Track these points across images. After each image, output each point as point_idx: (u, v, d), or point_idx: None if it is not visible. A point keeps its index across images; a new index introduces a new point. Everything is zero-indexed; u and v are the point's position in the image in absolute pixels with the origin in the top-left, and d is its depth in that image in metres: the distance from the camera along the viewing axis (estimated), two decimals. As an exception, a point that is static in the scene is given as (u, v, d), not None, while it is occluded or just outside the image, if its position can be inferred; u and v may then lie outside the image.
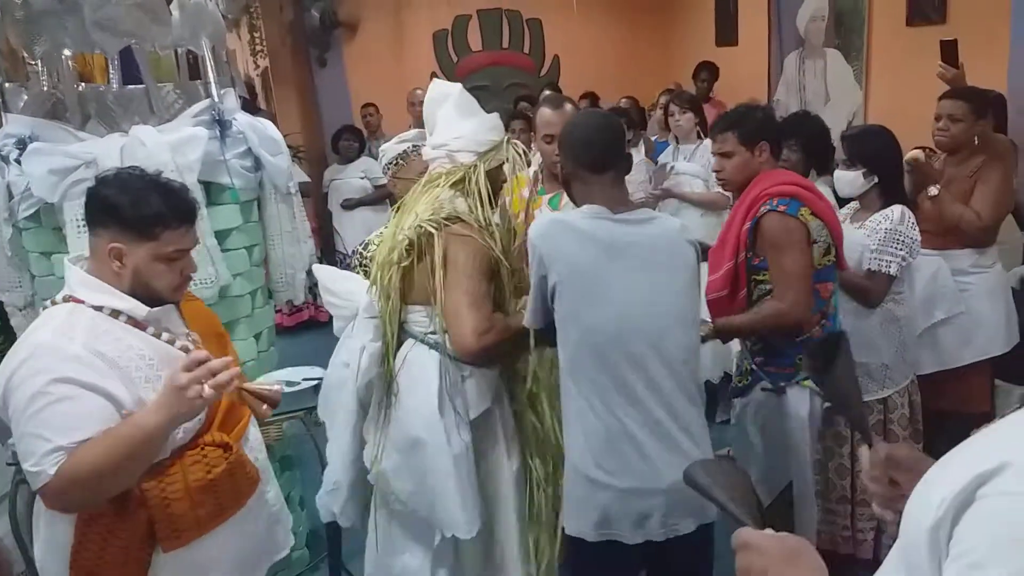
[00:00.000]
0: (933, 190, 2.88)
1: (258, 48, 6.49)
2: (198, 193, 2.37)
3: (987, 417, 3.08)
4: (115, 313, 1.60)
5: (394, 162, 2.54)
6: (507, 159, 2.20)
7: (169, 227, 1.60)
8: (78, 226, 2.36)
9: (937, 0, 4.23)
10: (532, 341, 2.01)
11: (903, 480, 1.01)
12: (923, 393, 2.74)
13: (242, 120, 2.64)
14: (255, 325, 2.78)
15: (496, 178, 2.20)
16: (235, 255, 2.63)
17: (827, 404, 2.32)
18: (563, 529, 2.00)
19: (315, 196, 6.13)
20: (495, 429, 2.22)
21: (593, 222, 1.89)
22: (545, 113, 2.62)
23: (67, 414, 1.47)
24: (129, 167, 1.71)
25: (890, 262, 2.53)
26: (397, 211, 2.22)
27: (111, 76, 2.60)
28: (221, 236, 2.55)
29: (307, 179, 5.98)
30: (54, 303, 1.63)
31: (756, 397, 2.42)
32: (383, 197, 5.80)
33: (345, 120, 6.49)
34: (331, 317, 2.41)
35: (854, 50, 5.02)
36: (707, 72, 5.82)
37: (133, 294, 1.62)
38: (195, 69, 2.74)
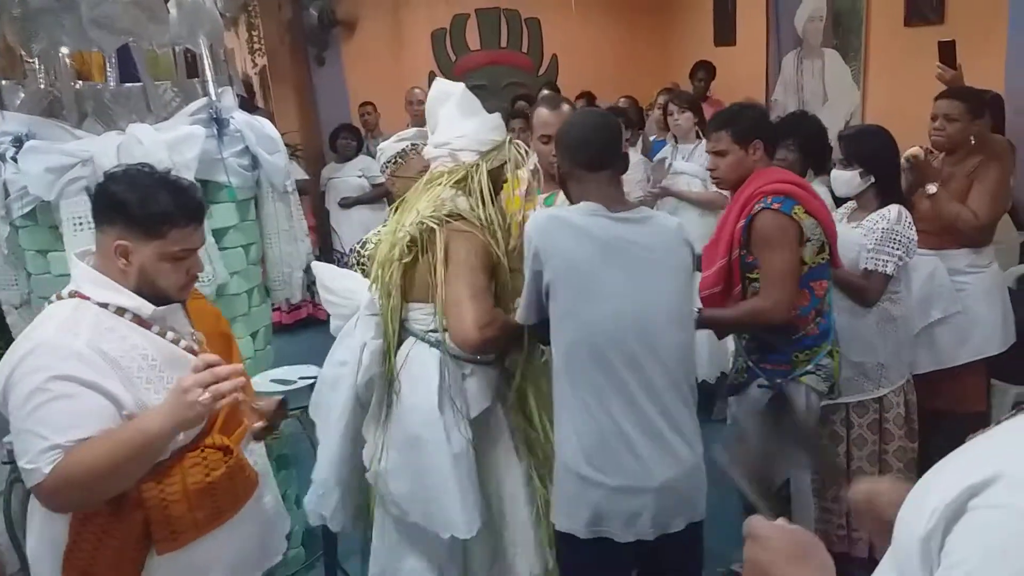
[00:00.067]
0: (931, 188, 2.89)
1: (256, 46, 6.49)
2: (195, 191, 2.37)
3: (983, 416, 3.09)
4: (120, 311, 1.58)
5: (393, 160, 2.54)
6: (509, 159, 2.20)
7: (177, 226, 1.58)
8: (75, 224, 2.36)
9: (935, 0, 4.24)
10: (526, 338, 2.01)
11: (890, 515, 1.01)
12: (919, 392, 2.75)
13: (240, 118, 2.64)
14: (252, 323, 2.78)
15: (498, 178, 2.20)
16: (232, 253, 2.62)
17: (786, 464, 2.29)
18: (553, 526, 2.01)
19: (313, 194, 6.13)
20: (499, 427, 2.22)
21: (590, 219, 1.89)
22: (542, 113, 2.62)
23: (66, 412, 1.45)
24: (139, 164, 1.68)
25: (886, 261, 2.53)
26: (397, 209, 2.22)
27: (108, 74, 2.60)
28: (218, 234, 2.55)
29: (306, 177, 5.98)
30: (59, 298, 1.61)
31: (752, 394, 2.42)
32: (381, 195, 5.79)
33: (343, 119, 6.48)
34: (330, 317, 2.41)
35: (852, 50, 5.02)
36: (704, 71, 5.81)
37: (139, 292, 1.60)
38: (193, 67, 2.74)
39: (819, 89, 5.40)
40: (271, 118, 3.44)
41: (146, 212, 1.56)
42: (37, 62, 2.57)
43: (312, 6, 6.62)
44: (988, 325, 3.00)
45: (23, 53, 2.60)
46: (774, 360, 2.38)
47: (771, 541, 0.92)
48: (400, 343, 2.15)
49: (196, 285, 2.33)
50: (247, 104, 4.31)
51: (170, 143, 2.39)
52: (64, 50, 2.52)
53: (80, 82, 2.62)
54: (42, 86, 2.58)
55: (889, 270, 2.53)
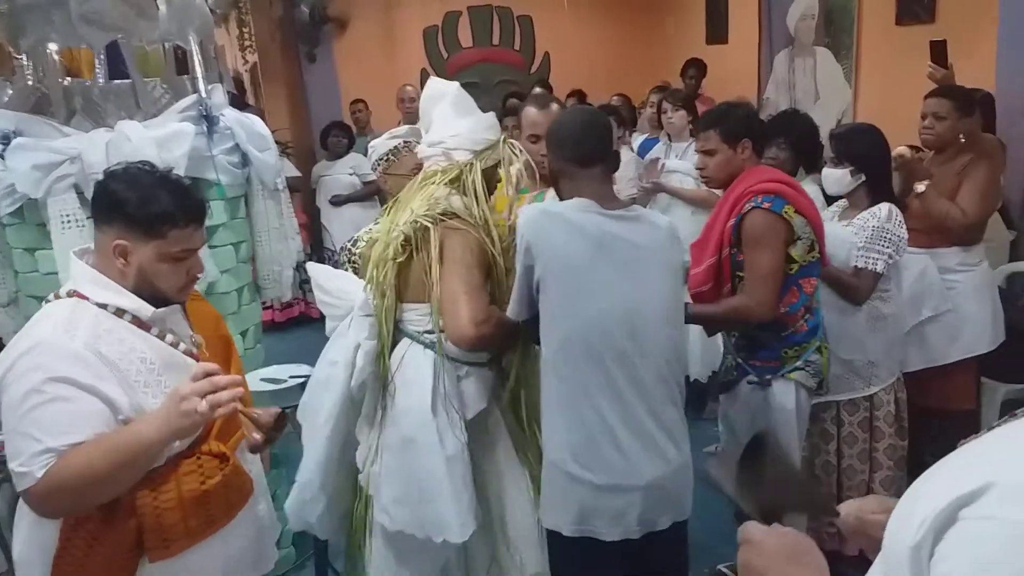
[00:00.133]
0: (920, 187, 2.90)
1: (247, 43, 6.46)
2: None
3: (973, 414, 3.11)
4: (119, 312, 1.55)
5: (385, 158, 2.53)
6: (503, 158, 2.19)
7: (177, 226, 1.55)
8: (62, 222, 2.34)
9: (926, -1, 4.26)
10: (521, 337, 2.00)
11: (880, 534, 1.01)
12: (909, 390, 2.76)
13: (230, 116, 2.62)
14: (242, 322, 2.77)
15: (492, 177, 2.19)
16: (222, 251, 2.61)
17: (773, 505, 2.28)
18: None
19: (304, 192, 6.11)
20: (498, 429, 2.21)
21: (583, 215, 1.89)
22: (531, 112, 2.59)
23: (61, 415, 1.42)
24: (139, 162, 1.65)
25: (877, 259, 2.54)
26: (391, 209, 2.20)
27: (97, 71, 2.58)
28: (208, 232, 2.51)
29: (298, 174, 5.96)
30: (57, 297, 1.58)
31: (742, 391, 2.43)
32: (372, 193, 5.79)
33: (334, 116, 6.46)
34: (323, 314, 2.39)
35: (844, 49, 5.04)
36: (695, 69, 5.82)
37: (138, 293, 1.57)
38: (183, 64, 2.72)
39: (811, 87, 5.41)
40: (262, 115, 3.44)
41: (146, 212, 1.53)
42: (25, 58, 2.55)
43: (303, 3, 6.59)
44: (978, 323, 3.01)
45: (11, 49, 2.58)
46: (763, 357, 2.39)
47: (766, 545, 0.91)
48: (395, 344, 2.13)
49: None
50: (237, 101, 4.29)
51: (159, 140, 2.38)
52: (52, 46, 2.50)
53: (68, 79, 2.60)
54: (30, 83, 2.56)
55: (879, 268, 2.54)
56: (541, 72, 7.30)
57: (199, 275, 1.69)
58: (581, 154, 1.94)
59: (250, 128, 2.67)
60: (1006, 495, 0.63)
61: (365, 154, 4.24)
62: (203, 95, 2.57)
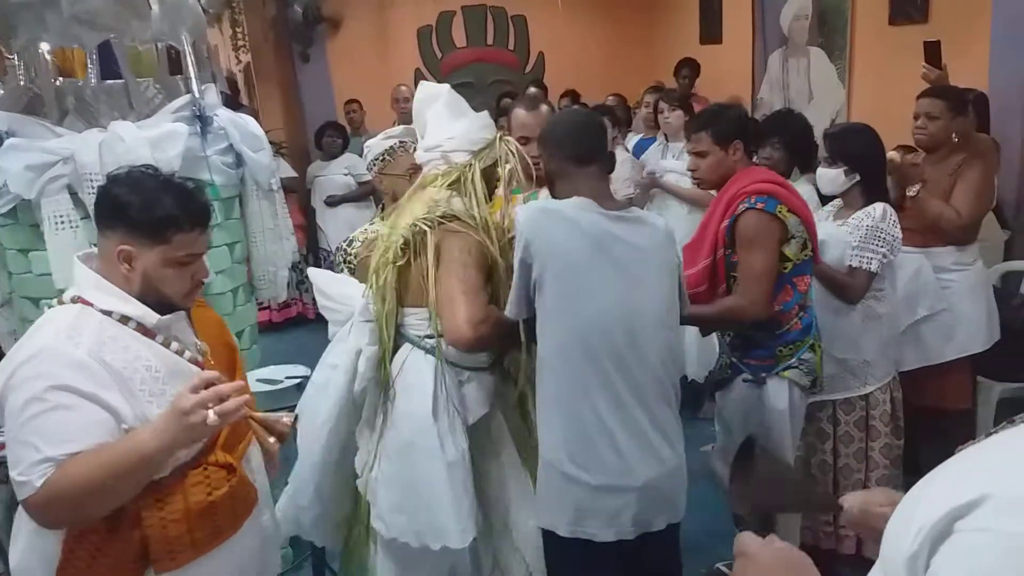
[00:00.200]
0: (912, 191, 2.91)
1: (240, 43, 6.43)
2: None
3: (968, 413, 3.12)
4: (124, 319, 1.52)
5: (381, 158, 2.52)
6: (500, 156, 2.18)
7: (182, 230, 1.53)
8: (56, 223, 2.33)
9: (919, -1, 4.27)
10: (523, 337, 1.97)
11: (884, 526, 1.01)
12: (904, 389, 2.76)
13: (223, 116, 2.61)
14: (237, 323, 2.76)
15: (491, 176, 2.18)
16: (216, 252, 2.60)
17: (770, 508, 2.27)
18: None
19: (300, 192, 6.09)
20: (501, 432, 2.20)
21: (582, 213, 1.88)
22: (519, 114, 2.56)
23: (62, 424, 1.39)
24: (143, 166, 1.63)
25: (871, 259, 2.54)
26: (392, 213, 2.18)
27: (90, 71, 2.57)
28: (203, 233, 2.52)
29: (294, 174, 5.95)
30: (61, 303, 1.55)
31: (736, 389, 2.44)
32: (367, 193, 5.77)
33: (328, 116, 6.44)
34: (318, 313, 2.37)
35: (837, 49, 5.05)
36: (688, 69, 5.83)
37: (142, 299, 1.54)
38: (176, 64, 2.71)
39: (805, 87, 5.42)
40: (255, 115, 3.43)
41: (150, 216, 1.50)
42: (17, 58, 2.54)
43: (297, 3, 6.57)
44: (973, 322, 3.02)
45: (2, 49, 2.56)
46: (758, 355, 2.40)
47: (760, 558, 0.91)
48: (396, 349, 2.11)
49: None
50: (231, 101, 4.28)
51: (153, 140, 2.37)
52: (45, 46, 2.48)
53: (61, 79, 2.59)
54: (22, 83, 2.55)
55: (873, 267, 2.55)
56: (535, 72, 7.30)
57: (205, 280, 1.66)
58: (578, 152, 1.94)
59: (244, 128, 2.67)
60: (1001, 507, 0.62)
61: (360, 154, 4.23)
62: (196, 95, 2.56)
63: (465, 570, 2.17)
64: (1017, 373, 3.13)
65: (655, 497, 1.90)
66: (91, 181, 2.31)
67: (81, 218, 2.37)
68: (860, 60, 4.89)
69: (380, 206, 2.68)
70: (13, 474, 1.41)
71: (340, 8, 6.88)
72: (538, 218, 1.89)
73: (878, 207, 2.59)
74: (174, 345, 1.58)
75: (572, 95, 5.99)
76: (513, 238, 1.97)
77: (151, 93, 2.60)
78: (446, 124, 2.17)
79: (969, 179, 2.94)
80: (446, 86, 2.25)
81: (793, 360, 2.37)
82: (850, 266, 2.57)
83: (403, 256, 2.05)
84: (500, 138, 2.21)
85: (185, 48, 2.61)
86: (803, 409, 2.46)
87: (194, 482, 1.53)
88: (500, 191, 2.18)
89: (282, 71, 6.83)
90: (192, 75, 2.60)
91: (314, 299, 2.52)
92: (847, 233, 2.59)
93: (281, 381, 2.74)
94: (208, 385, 1.40)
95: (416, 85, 2.30)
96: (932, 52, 3.28)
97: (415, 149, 2.41)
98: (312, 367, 2.35)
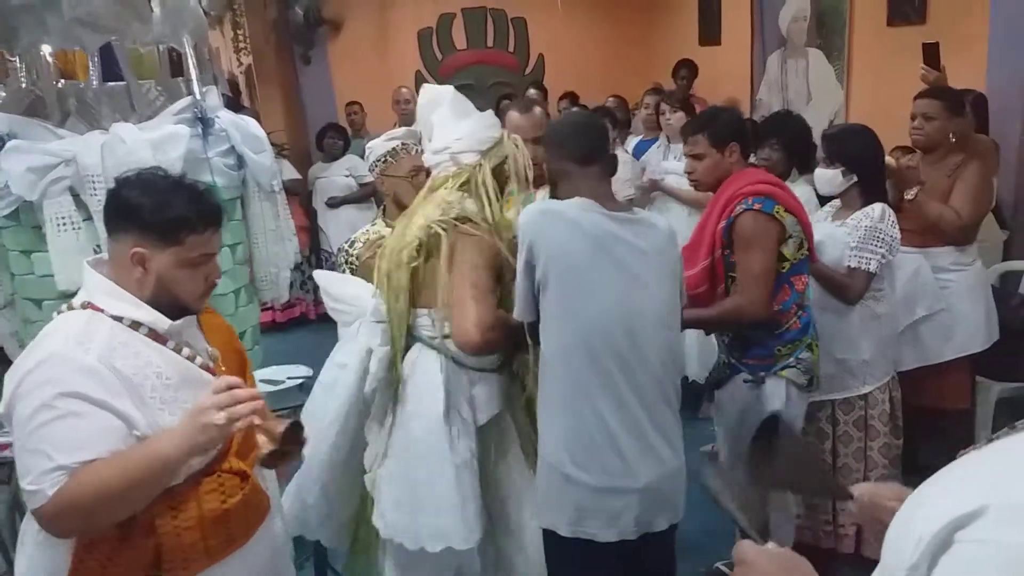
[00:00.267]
0: (910, 194, 2.92)
1: (241, 45, 6.45)
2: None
3: (967, 413, 3.12)
4: (135, 325, 1.50)
5: (383, 159, 2.53)
6: (508, 154, 2.17)
7: (195, 231, 1.51)
8: (58, 224, 2.33)
9: (917, 1, 4.27)
10: (529, 340, 1.97)
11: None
12: (903, 389, 2.77)
13: (225, 118, 2.62)
14: (239, 324, 2.76)
15: (500, 175, 2.17)
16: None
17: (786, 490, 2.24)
18: None
19: (303, 194, 6.10)
20: (510, 433, 2.20)
21: (584, 214, 1.89)
22: (513, 117, 2.57)
23: (73, 431, 1.37)
24: (152, 167, 1.62)
25: (870, 259, 2.55)
26: (406, 216, 2.17)
27: (91, 73, 2.58)
28: (204, 234, 2.53)
29: (297, 176, 5.96)
30: (70, 308, 1.53)
31: (733, 388, 2.45)
32: (368, 195, 5.78)
33: (330, 118, 6.45)
34: (320, 314, 2.38)
35: (835, 50, 5.05)
36: (686, 70, 5.84)
37: (155, 303, 1.52)
38: (177, 66, 2.71)
39: (803, 88, 5.43)
40: (257, 117, 3.43)
41: (162, 217, 1.49)
42: (18, 61, 2.54)
43: (298, 5, 6.58)
44: (972, 322, 3.03)
45: (4, 51, 2.57)
46: (756, 355, 2.41)
47: (759, 565, 0.92)
48: (407, 349, 2.11)
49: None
50: (232, 103, 4.29)
51: (154, 142, 2.37)
52: (46, 48, 2.49)
53: (62, 81, 2.59)
54: (24, 85, 2.55)
55: (872, 268, 2.56)
56: (535, 74, 7.31)
57: (217, 281, 1.64)
58: (580, 152, 1.95)
59: (245, 130, 2.67)
60: (1002, 518, 0.62)
61: (361, 156, 4.24)
62: (198, 97, 2.57)
63: (471, 570, 2.17)
64: (1016, 373, 3.14)
65: (656, 498, 1.91)
66: (93, 183, 2.32)
67: (83, 220, 2.38)
68: (858, 61, 4.89)
69: (381, 207, 2.68)
70: (24, 483, 1.39)
71: (341, 10, 6.89)
72: (539, 219, 1.89)
73: (876, 207, 2.60)
74: (185, 351, 1.56)
75: (571, 97, 6.01)
76: (514, 238, 1.98)
77: (153, 95, 2.61)
78: (452, 125, 2.17)
79: (968, 180, 2.95)
80: (450, 88, 2.26)
81: (791, 359, 2.38)
82: (849, 266, 2.58)
83: (418, 257, 2.05)
84: (506, 136, 2.21)
85: (186, 50, 2.62)
86: (801, 408, 2.47)
87: (208, 489, 1.52)
88: (513, 186, 2.18)
89: (283, 73, 6.84)
90: (194, 77, 2.61)
91: (316, 299, 2.52)
92: (846, 234, 2.60)
93: (283, 381, 2.75)
94: (228, 389, 1.40)
95: (417, 87, 2.32)
96: (931, 54, 3.29)
97: (417, 151, 2.42)
98: (314, 367, 2.36)
